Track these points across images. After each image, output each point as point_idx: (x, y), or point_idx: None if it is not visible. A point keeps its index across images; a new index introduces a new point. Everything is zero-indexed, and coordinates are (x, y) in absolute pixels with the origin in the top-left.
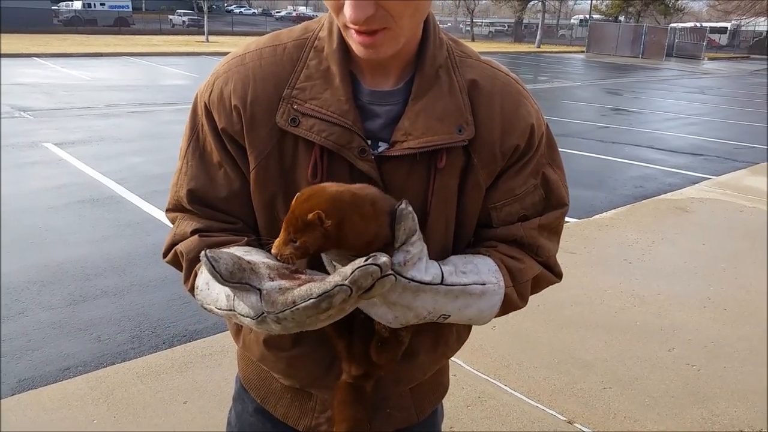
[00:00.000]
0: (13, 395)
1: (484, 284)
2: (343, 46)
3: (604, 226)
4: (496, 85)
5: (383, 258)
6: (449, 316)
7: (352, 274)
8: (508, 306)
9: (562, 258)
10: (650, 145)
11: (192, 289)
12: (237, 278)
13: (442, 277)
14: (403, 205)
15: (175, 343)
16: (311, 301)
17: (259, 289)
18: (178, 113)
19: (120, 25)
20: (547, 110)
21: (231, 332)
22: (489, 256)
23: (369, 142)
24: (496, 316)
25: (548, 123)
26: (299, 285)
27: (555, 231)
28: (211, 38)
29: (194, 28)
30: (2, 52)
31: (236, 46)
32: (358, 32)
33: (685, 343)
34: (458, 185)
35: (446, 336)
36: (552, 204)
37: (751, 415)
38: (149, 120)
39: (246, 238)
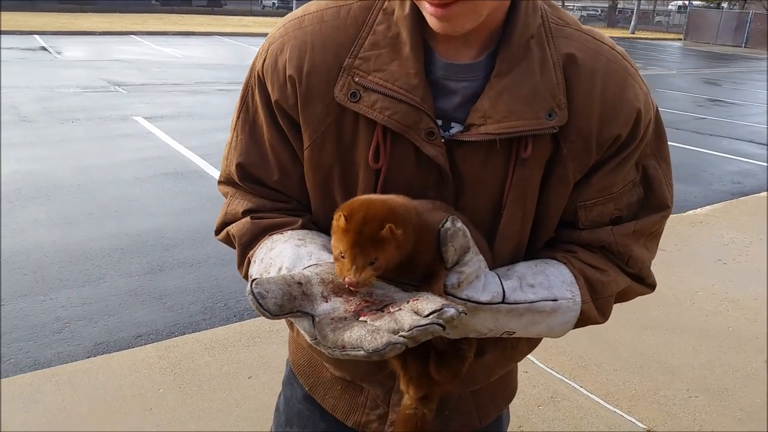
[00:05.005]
0: (88, 357)
1: (556, 300)
2: (417, 10)
3: (698, 223)
4: (599, 61)
5: (450, 311)
6: (514, 332)
7: (410, 330)
8: (584, 322)
9: None
10: (750, 139)
11: (246, 276)
12: (287, 309)
13: (504, 295)
14: (448, 224)
15: (245, 317)
16: (361, 353)
17: (312, 316)
18: None
19: (213, 5)
20: None
21: None
22: (565, 264)
23: (440, 122)
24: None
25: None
26: (354, 309)
27: (653, 237)
28: None
29: (284, 11)
30: (102, 30)
31: None
32: (431, 3)
33: None
34: (542, 178)
35: (514, 339)
36: (651, 205)
37: None
38: (236, 98)
39: (300, 219)
